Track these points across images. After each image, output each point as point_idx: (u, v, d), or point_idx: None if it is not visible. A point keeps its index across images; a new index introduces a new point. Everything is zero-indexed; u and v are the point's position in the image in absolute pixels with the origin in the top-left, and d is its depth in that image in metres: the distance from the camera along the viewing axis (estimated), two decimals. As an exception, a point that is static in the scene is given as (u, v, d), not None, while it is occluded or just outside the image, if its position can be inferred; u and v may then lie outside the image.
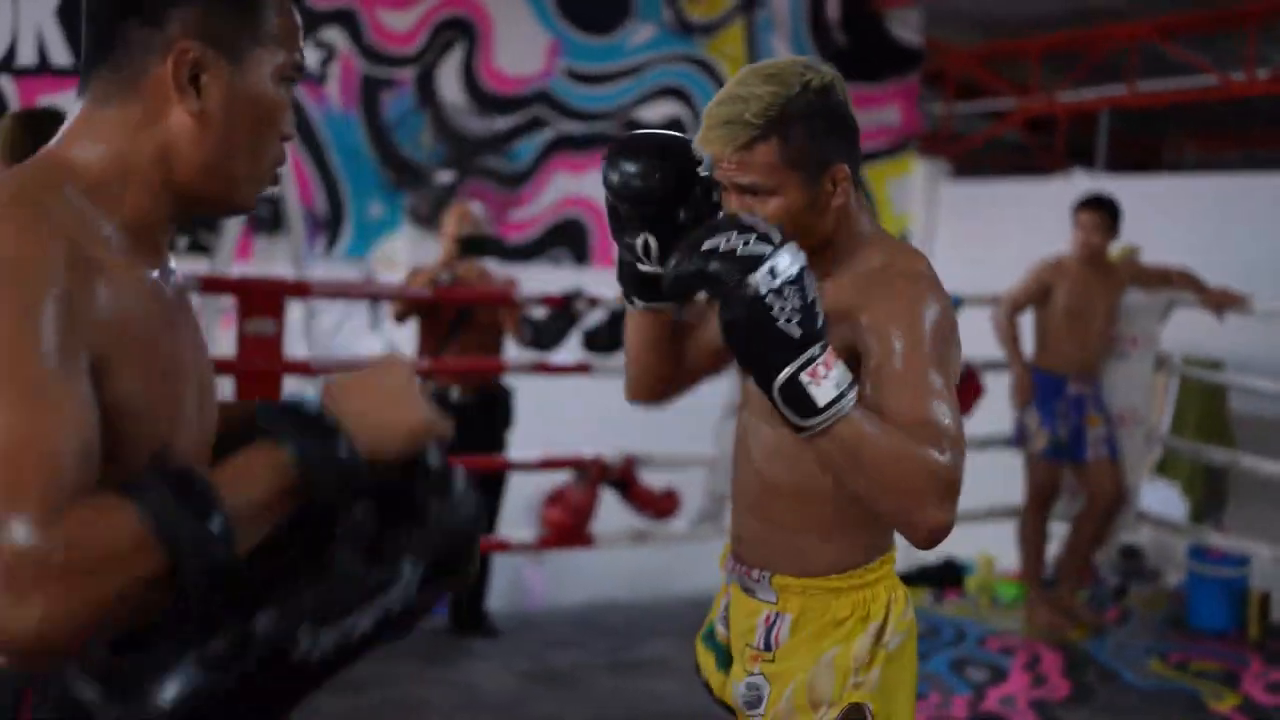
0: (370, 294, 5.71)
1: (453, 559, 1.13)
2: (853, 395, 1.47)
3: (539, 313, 4.60)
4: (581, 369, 4.53)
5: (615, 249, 1.77)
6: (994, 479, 5.58)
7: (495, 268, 4.90)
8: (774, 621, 1.76)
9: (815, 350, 1.45)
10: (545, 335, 4.48)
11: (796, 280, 1.44)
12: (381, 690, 3.96)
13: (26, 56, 6.14)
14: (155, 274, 1.16)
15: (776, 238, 1.46)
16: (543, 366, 4.49)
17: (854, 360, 1.57)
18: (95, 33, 1.20)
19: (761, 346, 1.44)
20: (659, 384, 1.87)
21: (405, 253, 6.84)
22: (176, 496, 0.99)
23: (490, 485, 4.58)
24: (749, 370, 1.50)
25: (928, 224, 7.44)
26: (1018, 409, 4.70)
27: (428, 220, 6.73)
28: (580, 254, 6.85)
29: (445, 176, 6.65)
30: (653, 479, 4.65)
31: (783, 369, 1.44)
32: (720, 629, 1.87)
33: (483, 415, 4.53)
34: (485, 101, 6.74)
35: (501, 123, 6.75)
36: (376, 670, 4.12)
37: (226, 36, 1.17)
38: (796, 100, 1.59)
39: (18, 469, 0.95)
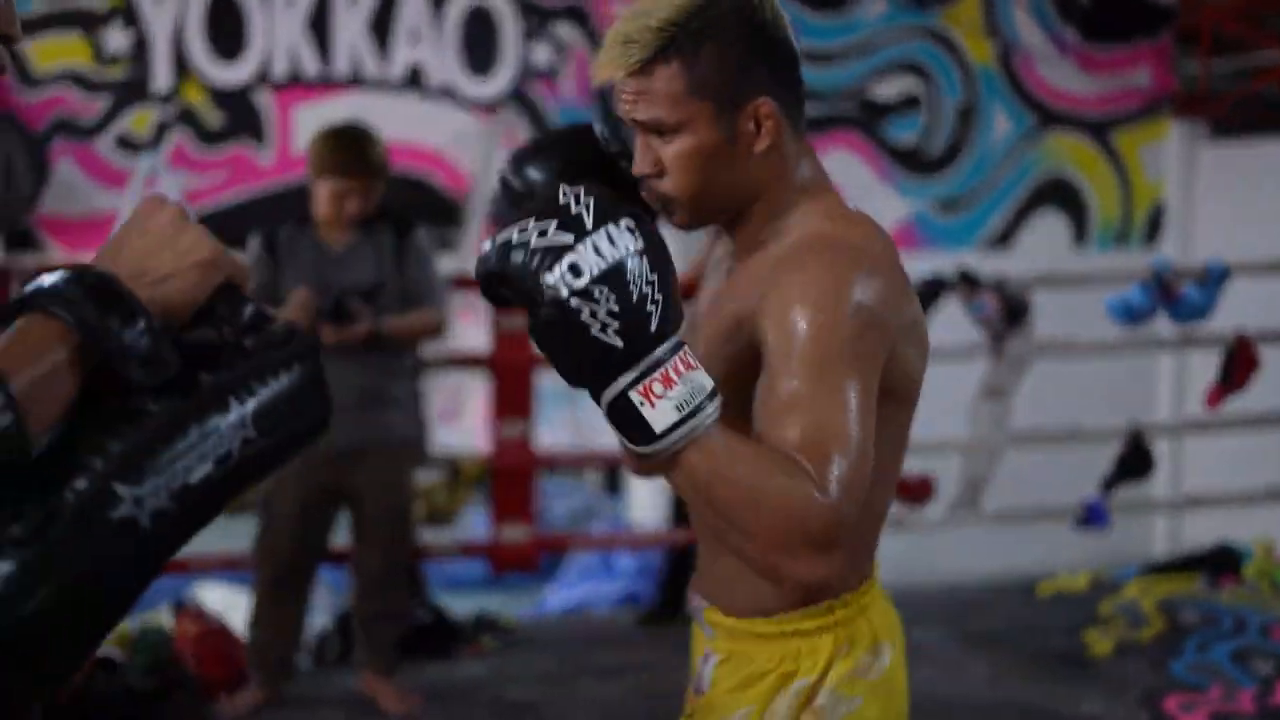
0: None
1: (288, 402, 0.97)
2: (709, 413, 1.15)
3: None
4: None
5: None
6: (1269, 459, 5.26)
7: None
8: (708, 660, 1.50)
9: (655, 356, 1.13)
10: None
11: (612, 273, 1.11)
12: (638, 676, 4.00)
13: (280, 70, 6.44)
14: None
15: (589, 220, 1.13)
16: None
17: (756, 360, 1.29)
18: None
19: (576, 360, 1.14)
20: None
21: (641, 242, 6.90)
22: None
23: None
24: (576, 387, 1.19)
25: (1185, 190, 7.06)
26: None
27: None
28: (817, 237, 6.77)
29: (679, 165, 6.67)
30: (905, 465, 4.55)
31: (606, 387, 1.14)
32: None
33: None
34: (716, 88, 6.73)
35: (732, 108, 6.73)
36: (632, 658, 4.17)
37: None
38: (707, 12, 1.30)
39: None
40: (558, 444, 6.85)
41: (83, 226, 6.29)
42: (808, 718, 1.40)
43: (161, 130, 6.38)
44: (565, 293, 1.11)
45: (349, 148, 3.37)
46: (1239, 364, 4.63)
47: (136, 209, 1.01)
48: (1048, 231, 7.01)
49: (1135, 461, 4.59)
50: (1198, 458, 6.64)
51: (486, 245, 1.17)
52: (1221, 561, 4.94)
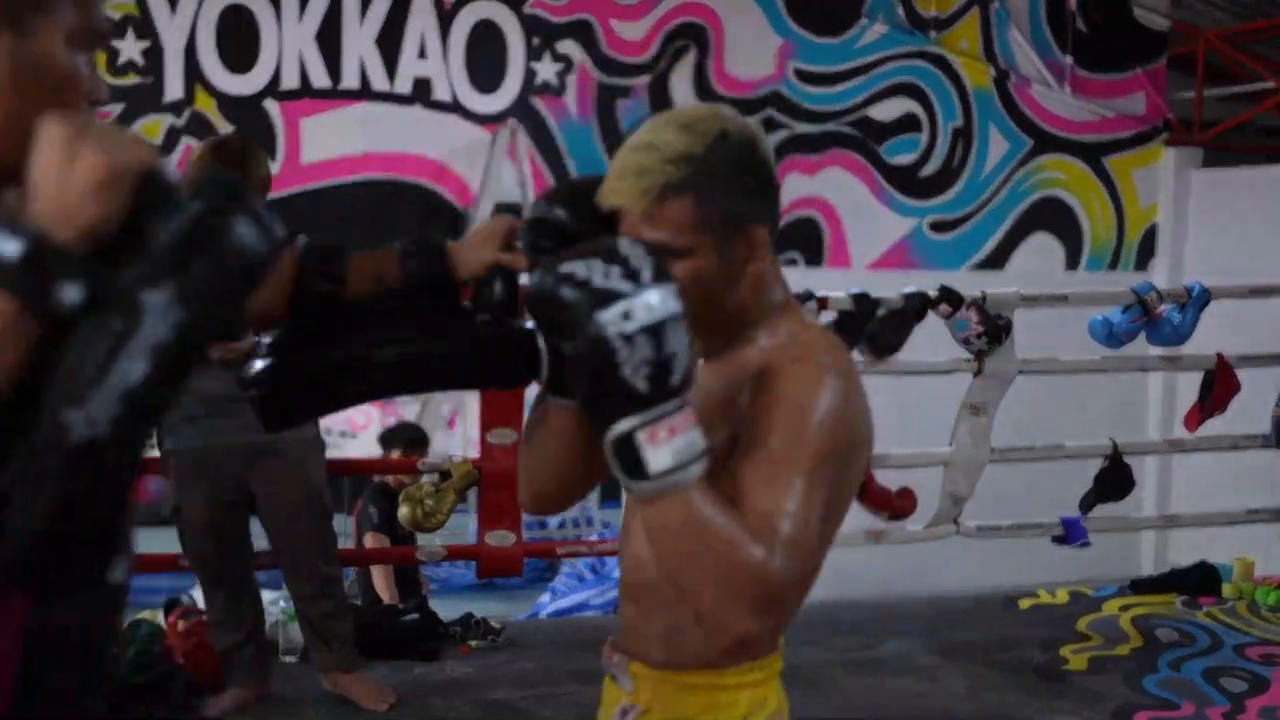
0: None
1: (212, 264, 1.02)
2: (695, 470, 1.29)
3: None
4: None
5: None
6: (1254, 480, 5.32)
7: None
8: (627, 712, 1.61)
9: (663, 409, 1.26)
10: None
11: (655, 329, 1.25)
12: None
13: (290, 81, 6.55)
14: None
15: (647, 276, 1.27)
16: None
17: (729, 451, 1.42)
18: None
19: (600, 393, 1.28)
20: (569, 485, 1.66)
21: (641, 257, 6.98)
22: None
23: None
24: (588, 415, 1.33)
25: (1176, 214, 7.13)
26: None
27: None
28: (813, 255, 6.85)
29: (679, 181, 6.76)
30: (889, 479, 4.63)
31: (616, 422, 1.27)
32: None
33: None
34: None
35: (733, 126, 6.82)
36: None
37: (7, 5, 1.12)
38: (714, 152, 1.42)
39: None
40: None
41: (93, 231, 6.42)
42: None
43: (172, 138, 6.50)
44: (612, 332, 1.24)
45: (233, 163, 3.32)
46: (1219, 386, 4.69)
47: (38, 145, 1.04)
48: (1042, 253, 7.09)
49: (1114, 481, 4.64)
50: (1185, 478, 6.69)
51: (544, 271, 1.29)
52: (1201, 580, 5.00)
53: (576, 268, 1.27)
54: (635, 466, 1.27)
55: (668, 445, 1.27)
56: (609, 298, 1.25)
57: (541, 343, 1.53)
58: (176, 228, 1.01)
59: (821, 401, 1.40)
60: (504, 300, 1.56)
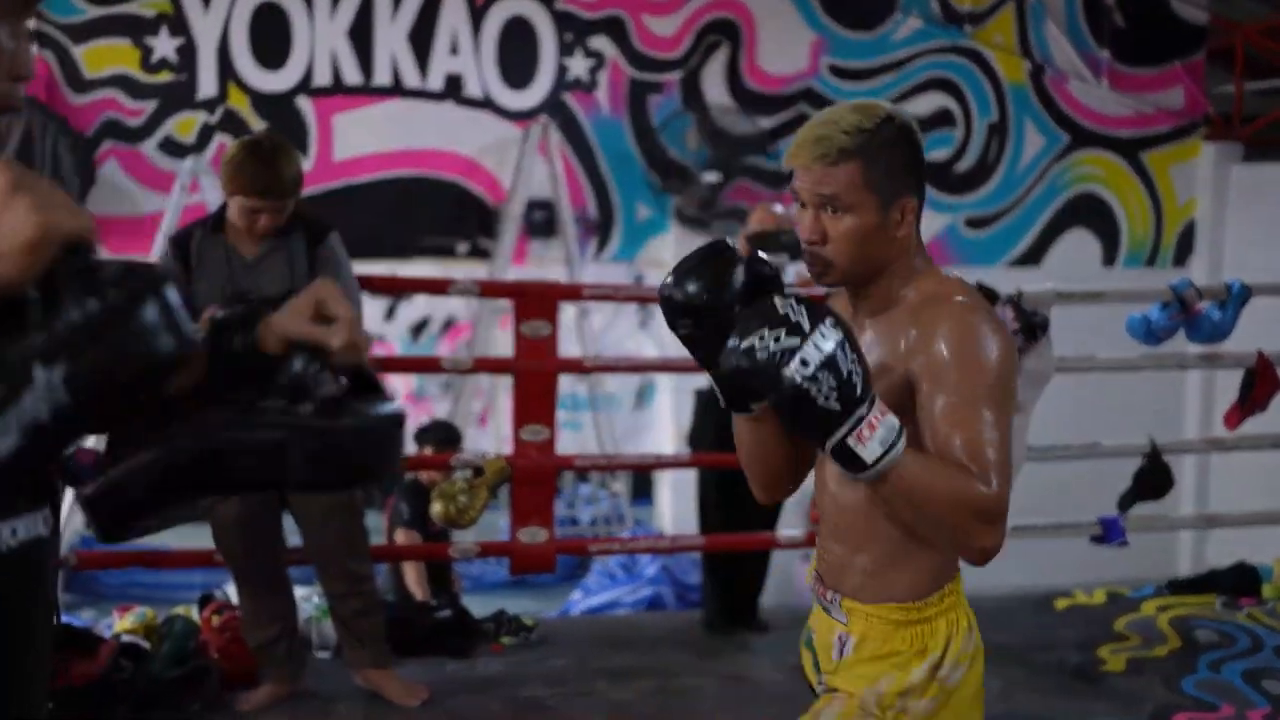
0: (635, 297, 5.85)
1: (112, 358, 0.97)
2: (900, 445, 1.59)
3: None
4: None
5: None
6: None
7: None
8: (845, 640, 1.91)
9: (860, 413, 1.57)
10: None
11: (829, 362, 1.54)
12: (653, 679, 4.06)
13: (322, 78, 6.57)
14: None
15: (807, 324, 1.56)
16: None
17: (910, 390, 1.72)
18: None
19: (807, 424, 1.59)
20: (787, 474, 1.98)
21: (672, 253, 6.97)
22: None
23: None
24: (806, 439, 1.67)
25: (1215, 210, 7.04)
26: None
27: (694, 221, 6.83)
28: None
29: (711, 177, 6.74)
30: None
31: (829, 437, 1.58)
32: (813, 637, 2.03)
33: None
34: (749, 101, 6.79)
35: (766, 122, 6.79)
36: (648, 661, 4.22)
37: None
38: (883, 130, 1.75)
39: None
40: (585, 451, 6.92)
41: (128, 227, 6.45)
42: (936, 684, 1.84)
43: (206, 134, 6.53)
44: (799, 380, 1.54)
45: (265, 166, 3.31)
46: (1260, 384, 4.61)
47: None
48: (1078, 250, 7.02)
49: (1153, 479, 4.57)
50: (1224, 477, 6.61)
51: (727, 354, 1.59)
52: (1240, 581, 4.93)
53: (753, 341, 1.57)
54: (855, 462, 1.59)
55: (873, 439, 1.58)
56: (786, 355, 1.54)
57: (710, 384, 1.83)
58: (88, 311, 0.97)
59: (984, 337, 1.71)
60: (302, 383, 1.31)
